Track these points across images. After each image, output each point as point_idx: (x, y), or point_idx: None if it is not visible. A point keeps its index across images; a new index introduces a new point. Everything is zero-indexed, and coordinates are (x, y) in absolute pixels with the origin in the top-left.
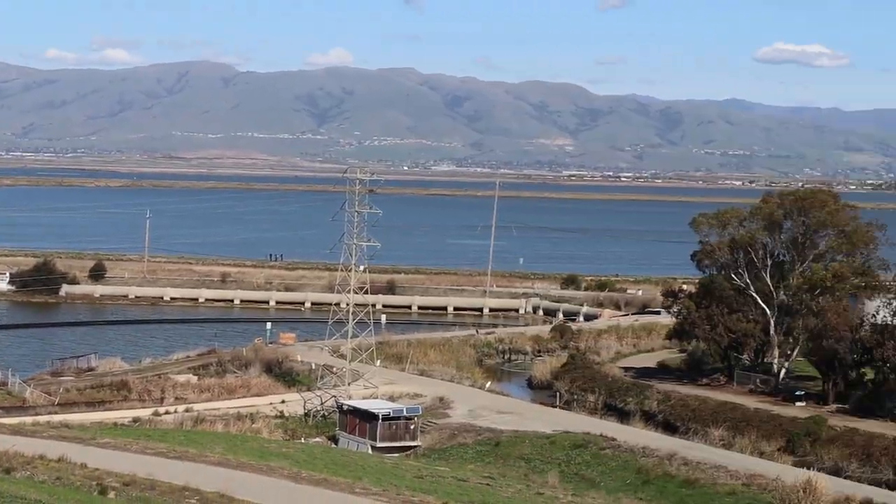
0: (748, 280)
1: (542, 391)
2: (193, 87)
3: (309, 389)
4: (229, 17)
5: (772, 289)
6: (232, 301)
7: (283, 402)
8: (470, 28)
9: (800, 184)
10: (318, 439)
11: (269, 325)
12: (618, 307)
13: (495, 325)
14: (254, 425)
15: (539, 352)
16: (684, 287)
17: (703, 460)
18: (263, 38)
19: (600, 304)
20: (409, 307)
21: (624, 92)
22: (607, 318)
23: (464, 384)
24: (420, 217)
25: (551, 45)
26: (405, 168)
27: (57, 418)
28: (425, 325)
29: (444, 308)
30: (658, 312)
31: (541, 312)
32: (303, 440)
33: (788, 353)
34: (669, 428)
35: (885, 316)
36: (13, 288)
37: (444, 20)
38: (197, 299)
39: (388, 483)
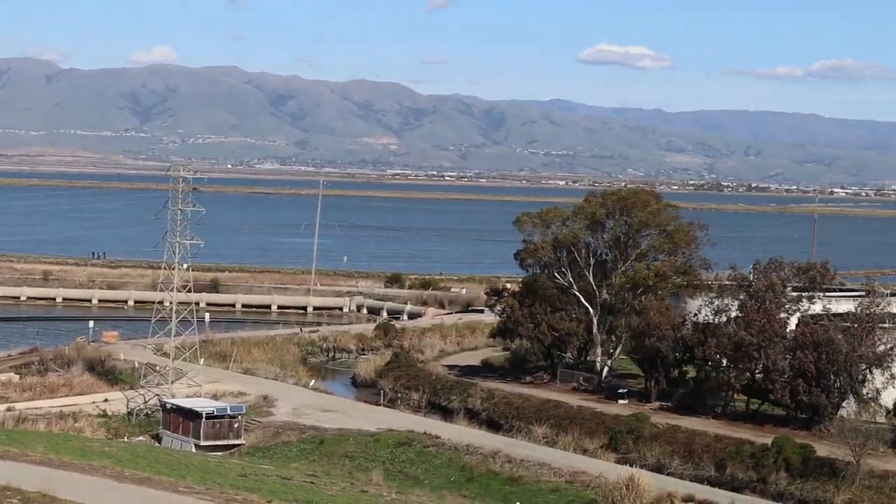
0: (571, 279)
1: (366, 389)
2: (15, 84)
3: (132, 388)
4: (51, 14)
5: (595, 288)
6: (54, 299)
7: (105, 400)
8: (295, 27)
9: (623, 184)
10: (141, 438)
11: (91, 323)
12: (442, 306)
13: (319, 324)
14: (76, 424)
15: (363, 350)
16: (508, 286)
17: (527, 458)
18: (86, 35)
19: (424, 303)
20: (233, 305)
21: (448, 92)
22: (431, 316)
23: (288, 382)
24: (244, 215)
25: (377, 44)
26: (229, 166)
27: None
28: (249, 323)
29: (268, 306)
30: (482, 311)
31: (365, 311)
32: (126, 439)
33: (611, 351)
34: (493, 426)
35: (706, 315)
36: None
37: (268, 18)
38: (18, 297)
39: (211, 482)
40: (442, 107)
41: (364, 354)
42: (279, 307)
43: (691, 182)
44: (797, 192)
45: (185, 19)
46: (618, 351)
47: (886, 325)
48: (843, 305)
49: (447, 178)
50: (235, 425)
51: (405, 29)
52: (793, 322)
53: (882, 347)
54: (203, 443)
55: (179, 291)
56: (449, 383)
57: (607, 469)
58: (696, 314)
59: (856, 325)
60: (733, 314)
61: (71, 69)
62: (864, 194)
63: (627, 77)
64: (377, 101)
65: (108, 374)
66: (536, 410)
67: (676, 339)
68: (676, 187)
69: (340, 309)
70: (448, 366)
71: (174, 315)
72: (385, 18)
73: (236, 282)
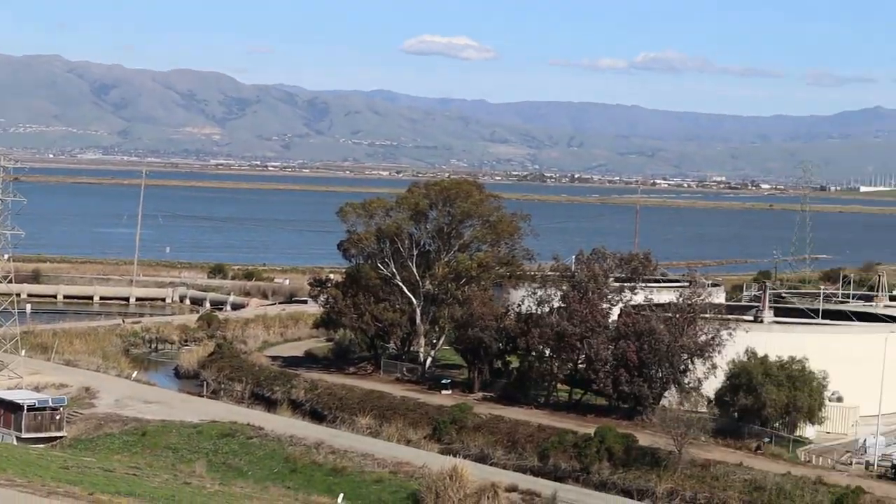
0: (395, 269)
1: (189, 380)
2: None
3: None
4: None
5: (418, 278)
6: None
7: None
8: (117, 15)
9: (446, 175)
10: None
11: None
12: (265, 296)
13: (142, 315)
14: None
15: (186, 341)
16: (331, 276)
17: (351, 448)
18: None
19: (248, 294)
20: (55, 296)
21: (272, 81)
22: (255, 307)
23: (110, 374)
24: (66, 206)
25: (201, 33)
26: (51, 156)
27: None
28: (71, 314)
29: (91, 297)
30: (305, 301)
31: (188, 302)
32: None
33: (434, 341)
34: (317, 416)
35: (529, 305)
36: None
37: (91, 6)
38: None
39: (33, 474)
40: (265, 96)
41: (187, 345)
42: (101, 298)
43: (515, 173)
44: (620, 183)
45: (5, 6)
46: (441, 341)
47: (707, 316)
48: (665, 296)
49: (271, 168)
50: (57, 417)
51: (229, 17)
52: (615, 312)
53: (703, 337)
54: (24, 435)
55: (0, 282)
56: (272, 374)
57: (431, 460)
58: (519, 305)
59: (677, 316)
60: (556, 304)
61: None
62: (685, 185)
63: (451, 68)
64: (200, 91)
65: None
66: (360, 401)
67: (499, 330)
68: (500, 178)
69: (163, 300)
70: (272, 357)
71: None
72: (208, 6)
73: (58, 272)
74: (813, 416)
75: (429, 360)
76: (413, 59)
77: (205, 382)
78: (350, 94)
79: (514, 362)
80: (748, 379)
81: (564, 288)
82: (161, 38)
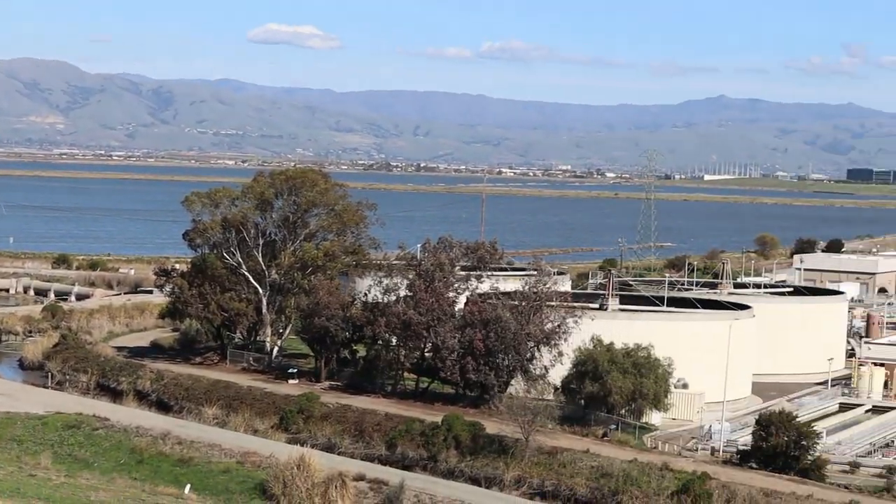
0: (240, 259)
1: (33, 372)
2: None
3: None
4: None
5: (264, 268)
6: None
7: None
8: None
9: (292, 164)
10: None
11: None
12: (110, 286)
13: None
14: None
15: (30, 332)
16: (177, 266)
17: (198, 439)
18: None
19: (92, 284)
20: None
21: (116, 70)
22: (99, 297)
23: None
24: None
25: (43, 21)
26: None
27: None
28: None
29: None
30: (151, 292)
31: (32, 292)
32: None
33: (281, 331)
34: (163, 407)
35: (376, 294)
36: None
37: None
38: None
39: None
40: (109, 85)
41: (31, 336)
42: None
43: (361, 162)
44: (466, 172)
45: None
46: (288, 331)
47: (554, 304)
48: (512, 284)
49: (115, 157)
50: None
51: (71, 5)
52: (462, 301)
53: (549, 325)
54: None
55: None
56: (118, 365)
57: (278, 449)
58: (365, 294)
59: (524, 304)
60: (403, 293)
61: None
62: (531, 174)
63: (297, 57)
64: (43, 80)
65: None
66: (207, 391)
67: (346, 319)
68: (346, 167)
69: (7, 290)
70: (117, 347)
71: None
72: None
73: None
74: (659, 402)
75: (275, 350)
76: (259, 48)
77: (49, 374)
78: (195, 84)
79: (361, 351)
80: (594, 366)
81: (411, 277)
82: (2, 28)
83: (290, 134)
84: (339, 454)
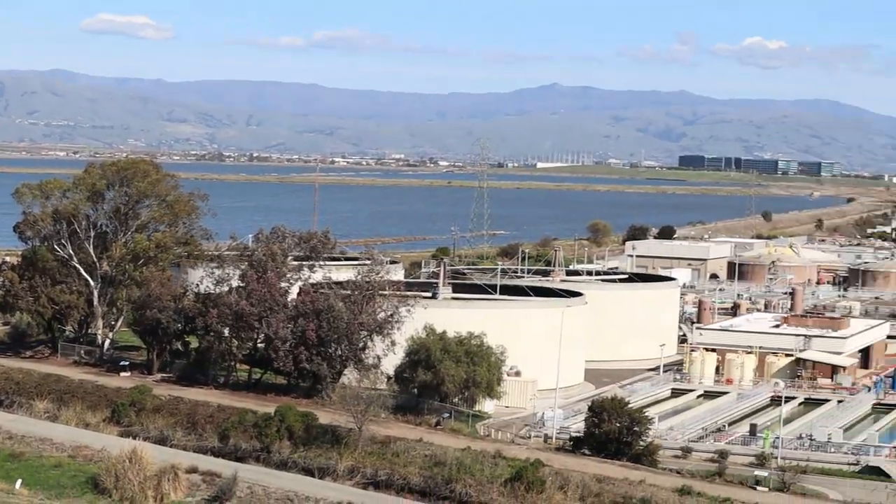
0: (71, 251)
1: None
2: None
3: None
4: None
5: (95, 259)
6: None
7: None
8: None
9: (124, 155)
10: None
11: None
12: None
13: None
14: None
15: None
16: (7, 259)
17: (29, 433)
18: None
19: None
20: None
21: None
22: None
23: None
24: None
25: None
26: None
27: None
28: None
29: None
30: None
31: None
32: None
33: (113, 323)
34: None
35: (208, 285)
36: None
37: None
38: None
39: None
40: None
41: None
42: None
43: (193, 152)
44: (299, 161)
45: None
46: (119, 323)
47: (386, 293)
48: (344, 274)
49: None
50: None
51: None
52: (294, 291)
53: (382, 314)
54: None
55: None
56: None
57: (110, 443)
58: (197, 285)
59: (356, 293)
60: (235, 284)
61: None
62: (364, 163)
63: (130, 47)
64: None
65: None
66: (37, 385)
67: (178, 310)
68: (178, 158)
69: None
70: None
71: None
72: None
73: None
74: (492, 390)
75: (107, 343)
76: (91, 38)
77: None
78: (26, 75)
79: (194, 343)
80: (427, 355)
81: (243, 267)
82: None
83: (122, 125)
84: (171, 447)
